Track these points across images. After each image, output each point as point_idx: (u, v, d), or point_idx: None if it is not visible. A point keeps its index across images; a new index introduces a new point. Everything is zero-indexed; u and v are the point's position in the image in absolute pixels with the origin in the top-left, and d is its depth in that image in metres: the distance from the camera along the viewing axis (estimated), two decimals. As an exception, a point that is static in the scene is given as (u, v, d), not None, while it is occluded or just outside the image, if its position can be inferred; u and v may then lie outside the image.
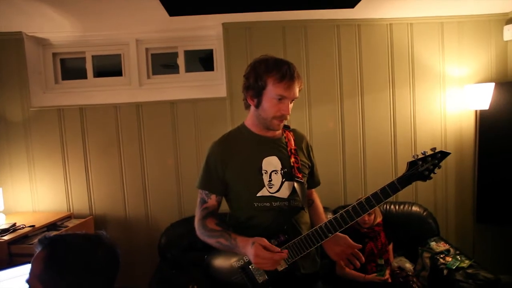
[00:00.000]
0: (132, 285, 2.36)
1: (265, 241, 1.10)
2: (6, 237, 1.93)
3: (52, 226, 2.21)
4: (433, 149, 1.08)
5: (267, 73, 1.16)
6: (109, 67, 2.78)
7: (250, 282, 1.17)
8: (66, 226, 2.22)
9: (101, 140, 2.48)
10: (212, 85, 2.59)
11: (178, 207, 2.49)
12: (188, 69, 2.68)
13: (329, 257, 2.28)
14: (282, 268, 1.16)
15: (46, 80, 2.57)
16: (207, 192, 1.25)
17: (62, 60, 2.64)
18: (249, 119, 1.29)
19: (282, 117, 1.20)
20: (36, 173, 2.47)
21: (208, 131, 2.43)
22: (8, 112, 2.44)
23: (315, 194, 1.44)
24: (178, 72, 2.65)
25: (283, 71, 1.15)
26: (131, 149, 2.50)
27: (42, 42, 2.52)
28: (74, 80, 2.61)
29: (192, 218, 1.27)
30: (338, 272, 2.15)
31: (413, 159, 1.08)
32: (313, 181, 1.40)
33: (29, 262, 0.83)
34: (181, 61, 2.64)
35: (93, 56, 2.60)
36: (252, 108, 1.24)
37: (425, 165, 1.07)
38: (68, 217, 2.39)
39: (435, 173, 1.08)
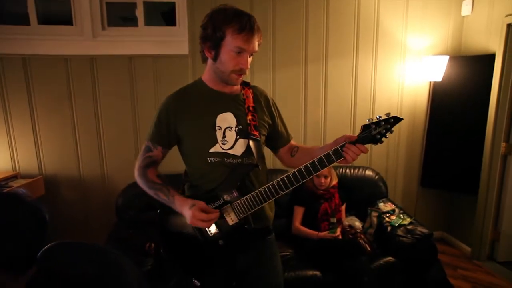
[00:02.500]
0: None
1: (205, 205, 1.14)
2: None
3: (-5, 185, 2.06)
4: (387, 114, 1.09)
5: (225, 23, 1.10)
6: (57, 14, 2.50)
7: (201, 235, 1.20)
8: (11, 186, 2.08)
9: (49, 94, 2.28)
10: (174, 41, 2.44)
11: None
12: (149, 24, 2.48)
13: (284, 216, 2.40)
14: (233, 223, 1.18)
15: (-20, 23, 2.26)
16: (154, 143, 1.22)
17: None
18: (206, 73, 1.24)
19: (241, 71, 1.16)
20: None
21: (169, 89, 2.26)
22: None
23: (294, 142, 1.41)
24: (137, 25, 2.46)
25: (243, 23, 1.09)
26: (84, 105, 2.34)
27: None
28: (14, 26, 2.31)
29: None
30: (294, 231, 2.27)
31: (367, 122, 1.10)
32: (287, 136, 1.39)
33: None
34: (140, 13, 2.44)
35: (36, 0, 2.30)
36: (210, 61, 1.19)
37: (378, 128, 1.08)
38: (14, 177, 2.23)
39: (386, 137, 1.10)
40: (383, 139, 1.10)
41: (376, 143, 1.11)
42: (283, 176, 1.15)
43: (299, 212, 2.29)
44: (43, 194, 2.26)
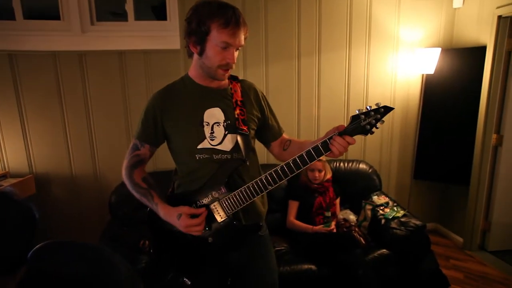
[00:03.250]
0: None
1: (189, 209, 1.13)
2: None
3: (-16, 185, 2.01)
4: (377, 104, 1.05)
5: (210, 18, 1.07)
6: (43, 9, 2.43)
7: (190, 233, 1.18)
8: (0, 186, 2.04)
9: (38, 91, 2.23)
10: (165, 36, 2.40)
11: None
12: (140, 18, 2.44)
13: (279, 211, 2.39)
14: (222, 219, 1.17)
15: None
16: (141, 141, 1.21)
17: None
18: (193, 68, 1.21)
19: (228, 66, 1.13)
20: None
21: (161, 84, 2.24)
22: None
23: (286, 136, 1.38)
24: (127, 20, 2.41)
25: (228, 16, 1.06)
26: (74, 102, 2.29)
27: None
28: None
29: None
30: (288, 225, 2.28)
31: (357, 113, 1.05)
32: (278, 129, 1.36)
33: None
34: (129, 7, 2.39)
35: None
36: (196, 56, 1.16)
37: (367, 119, 1.03)
38: (3, 176, 2.19)
39: (377, 127, 1.05)
40: (374, 129, 1.05)
41: (366, 134, 1.06)
42: (271, 170, 1.13)
43: (293, 207, 2.29)
44: (34, 193, 2.23)
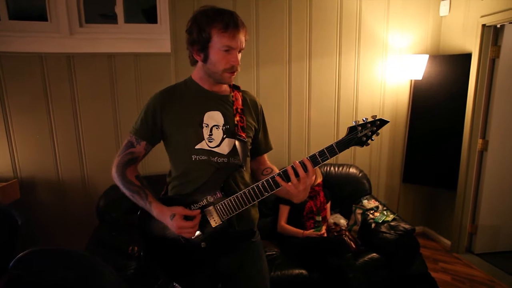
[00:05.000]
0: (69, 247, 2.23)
1: (184, 210, 1.13)
2: None
3: (-35, 189, 1.94)
4: (374, 116, 1.08)
5: (209, 24, 1.10)
6: (30, 10, 2.38)
7: (183, 238, 1.18)
8: (-16, 190, 1.97)
9: (24, 94, 2.18)
10: (155, 39, 2.38)
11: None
12: (130, 21, 2.41)
13: (270, 215, 2.39)
14: (216, 224, 1.17)
15: None
16: (138, 137, 1.19)
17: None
18: (197, 73, 1.23)
19: (233, 69, 1.15)
20: None
21: (151, 88, 2.20)
22: None
23: (269, 163, 1.40)
24: (116, 23, 2.38)
25: (226, 20, 1.09)
26: (62, 105, 2.24)
27: None
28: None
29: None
30: (279, 229, 2.27)
31: (354, 124, 1.09)
32: (265, 146, 1.38)
33: None
34: (119, 10, 2.36)
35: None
36: (200, 63, 1.19)
37: (364, 131, 1.07)
38: (-14, 180, 2.12)
39: (372, 139, 1.09)
40: (369, 141, 1.09)
41: (362, 145, 1.10)
42: (268, 177, 1.14)
43: (284, 211, 2.29)
44: (19, 198, 2.16)
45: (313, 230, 2.17)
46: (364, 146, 1.10)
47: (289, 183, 1.10)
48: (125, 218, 2.00)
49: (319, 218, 2.22)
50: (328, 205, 2.40)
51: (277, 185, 1.13)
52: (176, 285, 1.19)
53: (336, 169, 2.61)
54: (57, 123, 2.25)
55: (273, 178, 1.13)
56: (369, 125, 1.08)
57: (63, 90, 2.23)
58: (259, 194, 1.14)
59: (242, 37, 1.13)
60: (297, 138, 2.69)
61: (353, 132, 1.08)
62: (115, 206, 2.09)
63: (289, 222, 2.27)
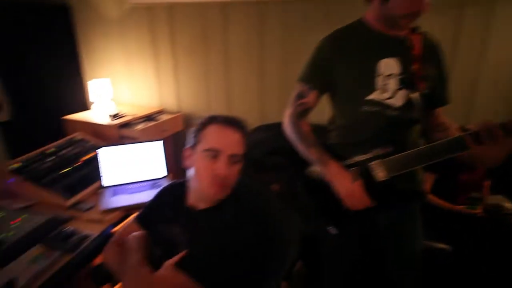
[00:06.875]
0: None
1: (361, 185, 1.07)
2: (116, 121, 2.20)
3: (148, 117, 2.43)
4: None
5: None
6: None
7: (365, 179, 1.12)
8: (159, 120, 2.42)
9: (188, 39, 2.46)
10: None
11: (260, 112, 2.44)
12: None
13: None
14: (382, 179, 1.09)
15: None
16: (309, 86, 1.16)
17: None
18: (370, 13, 1.11)
19: (414, 15, 1.00)
20: (133, 68, 2.63)
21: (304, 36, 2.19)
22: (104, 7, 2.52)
23: (444, 118, 1.21)
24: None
25: None
26: (215, 51, 2.44)
27: None
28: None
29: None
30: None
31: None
32: (443, 98, 1.19)
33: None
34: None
35: None
36: (376, 2, 1.06)
37: None
38: (160, 112, 2.58)
39: None
40: None
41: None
42: (450, 135, 1.00)
43: (428, 179, 2.04)
44: (182, 130, 2.57)
45: (465, 206, 1.89)
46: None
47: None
48: (269, 158, 2.14)
49: (476, 195, 1.90)
50: (488, 183, 2.02)
51: (464, 147, 0.96)
52: (331, 228, 1.21)
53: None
54: (212, 68, 2.48)
55: (460, 138, 0.96)
56: None
57: (218, 36, 2.40)
58: (433, 156, 1.01)
59: None
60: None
61: None
62: (258, 146, 2.25)
63: (434, 191, 2.02)
